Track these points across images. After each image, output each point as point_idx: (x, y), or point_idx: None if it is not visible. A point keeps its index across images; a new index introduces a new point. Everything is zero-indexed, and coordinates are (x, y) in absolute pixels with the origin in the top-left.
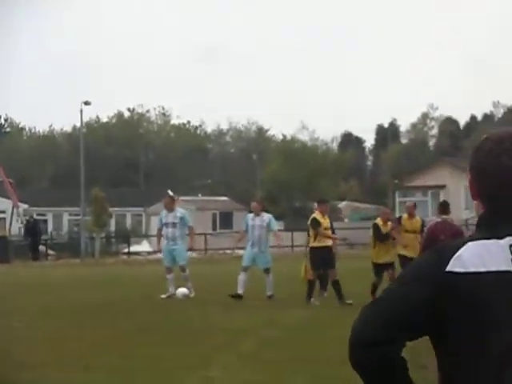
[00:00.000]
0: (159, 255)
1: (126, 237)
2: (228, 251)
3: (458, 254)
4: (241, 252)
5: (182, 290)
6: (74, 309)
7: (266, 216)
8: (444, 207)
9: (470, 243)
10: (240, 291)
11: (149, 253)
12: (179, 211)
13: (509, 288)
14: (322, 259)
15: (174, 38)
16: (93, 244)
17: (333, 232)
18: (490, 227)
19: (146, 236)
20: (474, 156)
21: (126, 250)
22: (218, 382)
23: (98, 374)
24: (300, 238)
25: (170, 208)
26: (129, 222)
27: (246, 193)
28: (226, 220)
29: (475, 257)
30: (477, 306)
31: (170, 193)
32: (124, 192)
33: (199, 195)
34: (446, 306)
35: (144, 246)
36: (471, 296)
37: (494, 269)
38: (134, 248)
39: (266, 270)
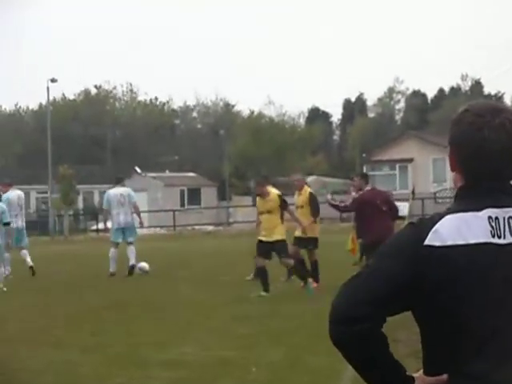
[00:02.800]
0: None
1: (94, 214)
2: (196, 227)
3: (435, 227)
4: (209, 228)
5: (143, 265)
6: (44, 286)
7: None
8: (367, 178)
9: (447, 216)
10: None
11: None
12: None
13: (487, 260)
14: None
15: (140, 12)
16: (61, 221)
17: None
18: (468, 199)
19: None
20: (455, 128)
21: (94, 227)
22: (191, 358)
23: (70, 350)
24: None
25: None
26: (96, 199)
27: (214, 169)
28: (193, 196)
29: (453, 230)
30: (454, 279)
31: (138, 170)
32: (91, 169)
33: (167, 171)
34: (425, 280)
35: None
36: (450, 269)
37: (472, 241)
38: (102, 225)
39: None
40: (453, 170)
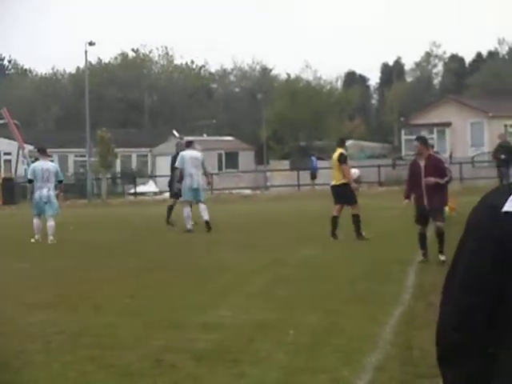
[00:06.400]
0: (165, 195)
1: (131, 177)
2: (234, 191)
3: None
4: (246, 192)
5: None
6: (82, 249)
7: None
8: (427, 142)
9: None
10: None
11: (155, 193)
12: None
13: None
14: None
15: None
16: (99, 185)
17: None
18: None
19: (152, 176)
20: None
21: (132, 191)
22: (230, 321)
23: (108, 314)
24: (306, 176)
25: None
26: (134, 162)
27: (252, 132)
28: (231, 160)
29: None
30: None
31: (176, 133)
32: (129, 133)
33: (204, 135)
34: (507, 248)
35: (150, 187)
36: None
37: None
38: (140, 189)
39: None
40: None
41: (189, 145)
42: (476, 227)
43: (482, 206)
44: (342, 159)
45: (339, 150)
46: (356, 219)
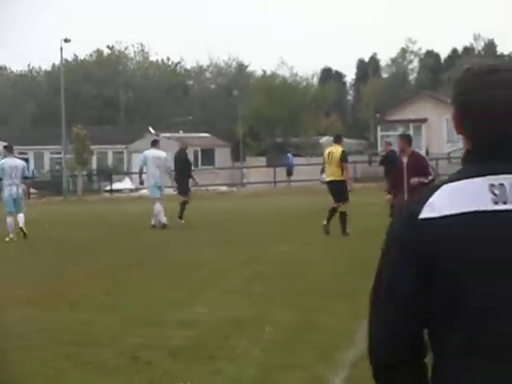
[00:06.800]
0: (141, 192)
1: (107, 174)
2: (210, 188)
3: (430, 200)
4: (223, 188)
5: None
6: (57, 246)
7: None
8: (410, 139)
9: (445, 186)
10: None
11: (131, 190)
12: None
13: (487, 229)
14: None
15: None
16: (75, 182)
17: None
18: (470, 165)
19: (128, 173)
20: (461, 88)
21: (108, 188)
22: (206, 318)
23: (84, 311)
24: (282, 173)
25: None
26: (110, 159)
27: (228, 129)
28: (207, 157)
29: (450, 199)
30: (452, 251)
31: (152, 130)
32: (105, 130)
33: (180, 132)
34: (424, 256)
35: (126, 184)
36: (447, 240)
37: (471, 209)
38: (116, 185)
39: None
40: (458, 132)
41: (153, 144)
42: (397, 233)
43: (403, 211)
44: (345, 158)
45: (340, 148)
46: (343, 216)
